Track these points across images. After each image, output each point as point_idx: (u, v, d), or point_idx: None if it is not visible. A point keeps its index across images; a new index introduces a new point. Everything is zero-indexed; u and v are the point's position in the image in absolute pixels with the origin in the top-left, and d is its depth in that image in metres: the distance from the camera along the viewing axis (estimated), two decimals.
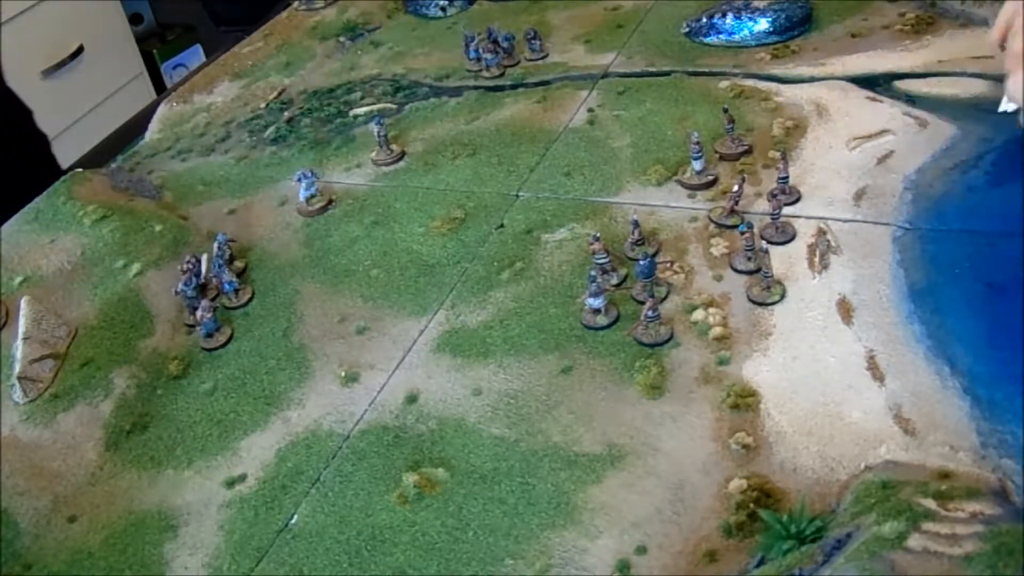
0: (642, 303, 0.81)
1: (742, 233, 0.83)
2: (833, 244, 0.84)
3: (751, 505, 0.65)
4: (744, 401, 0.73)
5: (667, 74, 1.13)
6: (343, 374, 0.84)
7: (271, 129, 1.21)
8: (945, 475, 0.63)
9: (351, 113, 1.21)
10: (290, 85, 1.31)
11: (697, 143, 0.94)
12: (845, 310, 0.78)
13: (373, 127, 1.10)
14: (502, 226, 0.96)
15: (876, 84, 1.02)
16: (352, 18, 1.45)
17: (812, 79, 1.05)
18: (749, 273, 0.83)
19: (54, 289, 0.96)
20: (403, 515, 0.71)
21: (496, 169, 1.04)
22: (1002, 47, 0.78)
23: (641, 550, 0.65)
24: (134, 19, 2.83)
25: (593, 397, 0.77)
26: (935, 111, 0.95)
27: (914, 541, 0.55)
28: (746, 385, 0.74)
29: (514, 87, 1.18)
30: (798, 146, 0.96)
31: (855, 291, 0.79)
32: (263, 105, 1.27)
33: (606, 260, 0.85)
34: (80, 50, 2.52)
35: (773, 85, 1.06)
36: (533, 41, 1.23)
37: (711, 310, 0.81)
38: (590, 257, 0.86)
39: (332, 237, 1.01)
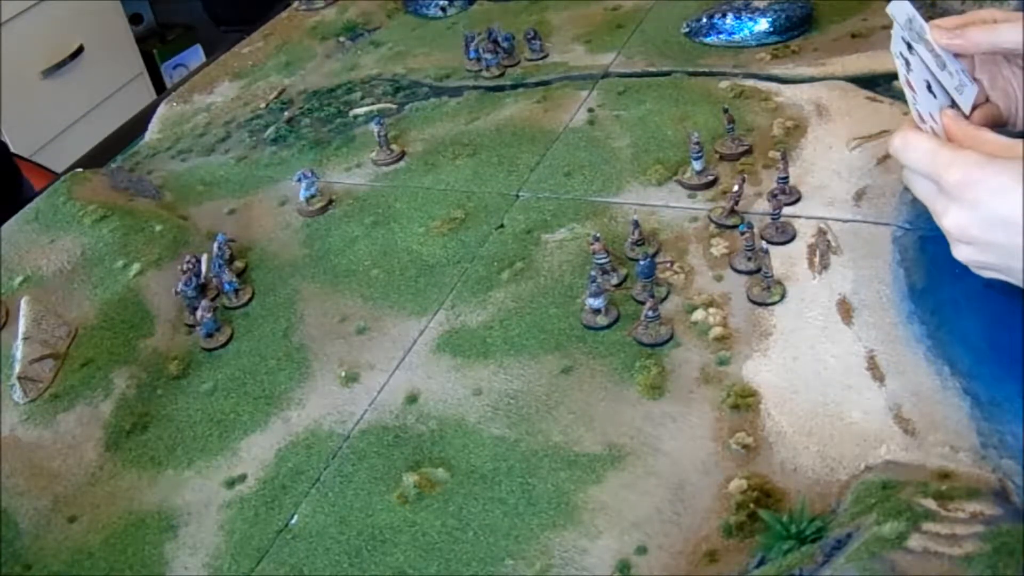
0: (642, 303, 0.81)
1: (742, 233, 0.83)
2: (833, 244, 0.84)
3: (751, 505, 0.65)
4: (744, 401, 0.73)
5: (667, 74, 1.13)
6: (343, 374, 0.84)
7: (271, 129, 1.21)
8: (945, 475, 0.63)
9: (351, 113, 1.21)
10: (290, 85, 1.31)
11: (697, 143, 0.94)
12: (845, 310, 0.78)
13: (373, 127, 1.10)
14: (502, 226, 0.96)
15: (876, 84, 1.02)
16: (352, 18, 1.45)
17: (812, 79, 1.05)
18: (749, 273, 0.83)
19: (54, 289, 0.96)
20: (403, 515, 0.71)
21: (496, 169, 1.04)
22: None
23: (641, 550, 0.65)
24: (134, 19, 2.83)
25: (593, 397, 0.77)
26: None
27: (914, 541, 0.55)
28: (746, 385, 0.74)
29: (514, 87, 1.18)
30: (798, 146, 0.96)
31: (855, 291, 0.79)
32: (263, 105, 1.27)
33: (606, 260, 0.85)
34: (80, 50, 2.53)
35: (773, 85, 1.06)
36: (533, 41, 1.23)
37: (711, 310, 0.81)
38: (590, 257, 0.86)
39: (332, 237, 1.01)
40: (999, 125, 0.73)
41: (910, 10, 0.69)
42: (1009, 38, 0.69)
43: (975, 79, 0.73)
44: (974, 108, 0.72)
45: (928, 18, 0.71)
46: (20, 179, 1.63)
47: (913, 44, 0.70)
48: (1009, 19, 0.70)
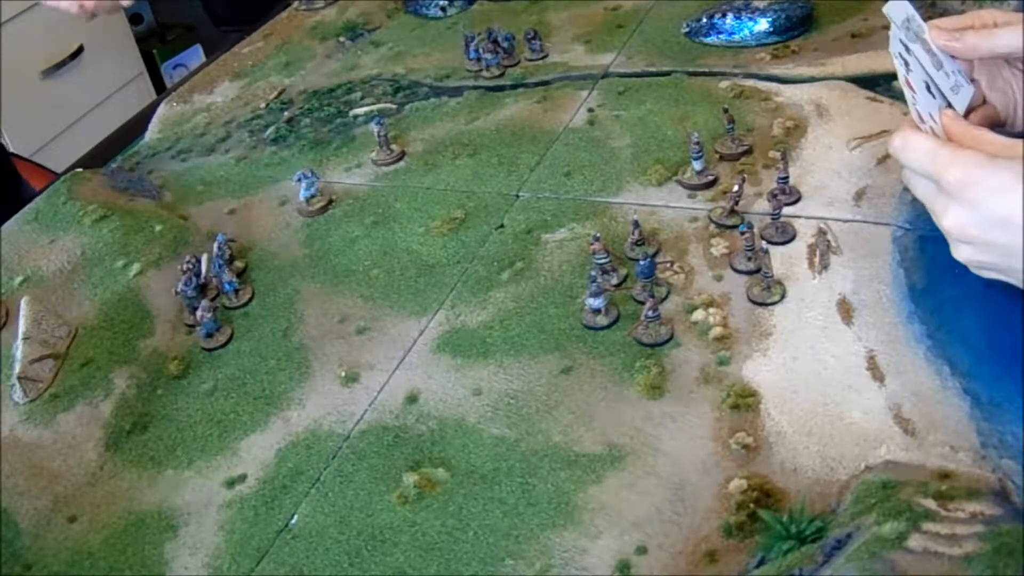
0: (642, 303, 0.81)
1: (742, 233, 0.83)
2: (833, 244, 0.84)
3: (751, 505, 0.65)
4: (744, 401, 0.73)
5: (667, 74, 1.13)
6: (343, 374, 0.84)
7: (271, 129, 1.21)
8: (945, 475, 0.63)
9: (351, 113, 1.21)
10: (290, 85, 1.31)
11: (697, 143, 0.94)
12: (845, 310, 0.78)
13: (373, 127, 1.10)
14: (502, 226, 0.96)
15: (876, 84, 1.02)
16: (352, 18, 1.45)
17: (812, 79, 1.05)
18: (749, 273, 0.83)
19: (54, 289, 0.96)
20: (403, 515, 0.71)
21: (496, 169, 1.04)
22: None
23: (641, 550, 0.65)
24: (134, 19, 2.83)
25: (593, 397, 0.77)
26: None
27: (914, 541, 0.55)
28: (746, 385, 0.74)
29: (514, 87, 1.18)
30: (798, 146, 0.96)
31: (855, 291, 0.79)
32: (263, 105, 1.27)
33: (606, 260, 0.85)
34: (80, 50, 2.52)
35: (773, 85, 1.06)
36: (533, 41, 1.23)
37: (711, 310, 0.81)
38: (590, 257, 0.86)
39: (332, 237, 1.01)
40: (996, 126, 0.73)
41: (909, 9, 0.69)
42: (1007, 43, 0.69)
43: (973, 79, 0.73)
44: (971, 110, 0.72)
45: (927, 18, 0.71)
46: (19, 179, 1.63)
47: (910, 44, 0.70)
48: (1009, 22, 0.70)
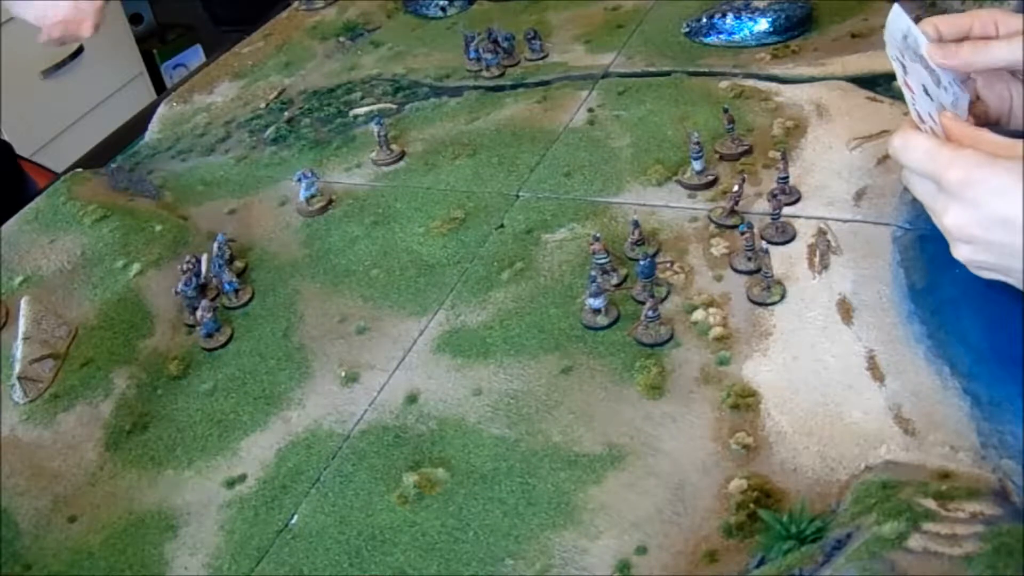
0: (642, 303, 0.81)
1: (742, 233, 0.83)
2: (833, 244, 0.84)
3: (751, 505, 0.65)
4: (744, 401, 0.73)
5: (667, 74, 1.13)
6: (343, 374, 0.84)
7: (271, 129, 1.21)
8: (945, 475, 0.63)
9: (351, 113, 1.21)
10: (290, 85, 1.31)
11: (697, 143, 0.94)
12: (845, 310, 0.78)
13: (373, 127, 1.10)
14: (502, 226, 0.96)
15: (876, 84, 1.02)
16: (352, 18, 1.45)
17: (812, 79, 1.05)
18: (749, 273, 0.83)
19: (54, 289, 0.97)
20: (403, 515, 0.71)
21: (496, 169, 1.04)
22: None
23: (641, 550, 0.65)
24: (134, 19, 2.83)
25: (593, 397, 0.77)
26: None
27: (914, 541, 0.55)
28: (746, 385, 0.74)
29: (514, 87, 1.18)
30: (798, 146, 0.96)
31: (855, 291, 0.79)
32: (263, 105, 1.27)
33: (606, 260, 0.85)
34: (80, 50, 2.52)
35: (773, 85, 1.06)
36: (533, 41, 1.23)
37: (711, 310, 0.81)
38: (590, 257, 0.86)
39: (332, 237, 1.01)
40: (989, 124, 0.73)
41: (904, 25, 0.69)
42: (1003, 56, 0.69)
43: (969, 77, 0.73)
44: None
45: (929, 15, 0.71)
46: (24, 178, 1.63)
47: (908, 64, 0.70)
48: (1008, 23, 0.70)
